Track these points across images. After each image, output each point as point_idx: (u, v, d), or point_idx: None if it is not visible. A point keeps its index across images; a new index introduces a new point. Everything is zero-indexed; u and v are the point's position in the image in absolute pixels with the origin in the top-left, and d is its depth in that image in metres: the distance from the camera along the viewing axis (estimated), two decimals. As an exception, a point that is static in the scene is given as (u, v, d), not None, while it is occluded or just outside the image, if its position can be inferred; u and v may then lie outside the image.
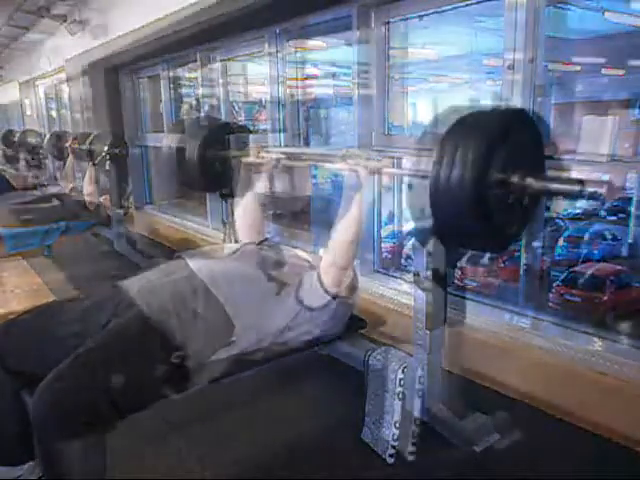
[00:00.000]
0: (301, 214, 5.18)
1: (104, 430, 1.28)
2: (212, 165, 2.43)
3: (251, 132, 2.59)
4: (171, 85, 4.90)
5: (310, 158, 2.25)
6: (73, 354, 1.31)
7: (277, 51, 3.43)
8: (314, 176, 5.18)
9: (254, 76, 4.51)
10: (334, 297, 1.68)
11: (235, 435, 1.89)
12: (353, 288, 1.75)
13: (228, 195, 2.52)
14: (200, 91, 4.29)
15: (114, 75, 5.55)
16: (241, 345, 1.60)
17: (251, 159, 2.12)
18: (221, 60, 4.15)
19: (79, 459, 1.25)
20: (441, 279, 1.56)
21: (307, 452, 1.79)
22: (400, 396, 1.66)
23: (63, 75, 6.41)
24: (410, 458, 1.69)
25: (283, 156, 2.29)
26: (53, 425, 1.21)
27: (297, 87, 3.56)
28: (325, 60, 4.70)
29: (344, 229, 1.65)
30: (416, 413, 1.68)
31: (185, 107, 5.28)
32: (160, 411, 1.48)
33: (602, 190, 1.21)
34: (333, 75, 4.91)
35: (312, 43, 3.67)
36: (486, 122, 1.27)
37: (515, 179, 1.26)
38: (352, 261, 1.68)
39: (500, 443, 1.78)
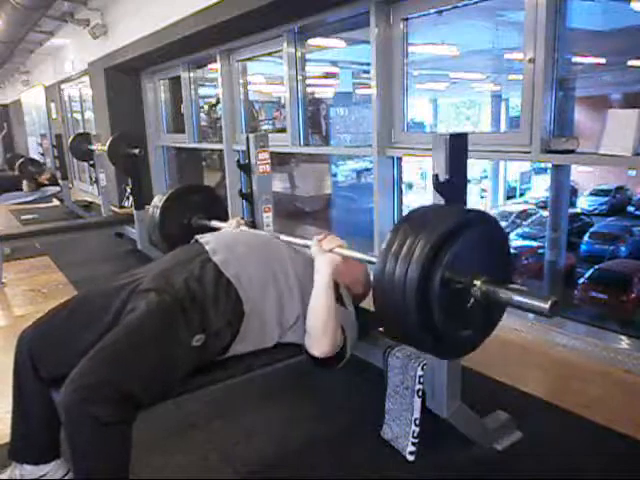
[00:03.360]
0: (322, 212, 5.21)
1: (129, 421, 1.30)
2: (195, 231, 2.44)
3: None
4: (192, 86, 4.94)
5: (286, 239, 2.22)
6: (96, 348, 1.33)
7: (296, 49, 3.44)
8: (334, 175, 5.20)
9: (274, 75, 4.54)
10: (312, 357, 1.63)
11: (254, 431, 1.89)
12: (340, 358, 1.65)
13: (249, 195, 2.53)
14: (220, 91, 4.32)
15: (135, 77, 5.64)
16: (249, 338, 1.60)
17: (232, 229, 2.15)
18: (240, 60, 4.18)
19: (106, 451, 1.27)
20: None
21: (327, 449, 1.79)
22: (419, 393, 1.65)
23: (86, 78, 6.54)
24: (410, 458, 1.67)
25: (263, 233, 2.29)
26: (80, 420, 1.23)
27: (316, 85, 3.56)
28: (344, 58, 4.70)
29: (314, 318, 1.59)
30: (416, 413, 1.66)
31: (206, 107, 5.34)
32: (179, 407, 1.48)
33: (545, 305, 1.13)
34: (352, 73, 4.91)
35: (330, 41, 3.68)
36: (442, 216, 1.20)
37: (464, 284, 1.18)
38: (326, 347, 1.57)
39: (522, 442, 1.76)
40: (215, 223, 2.37)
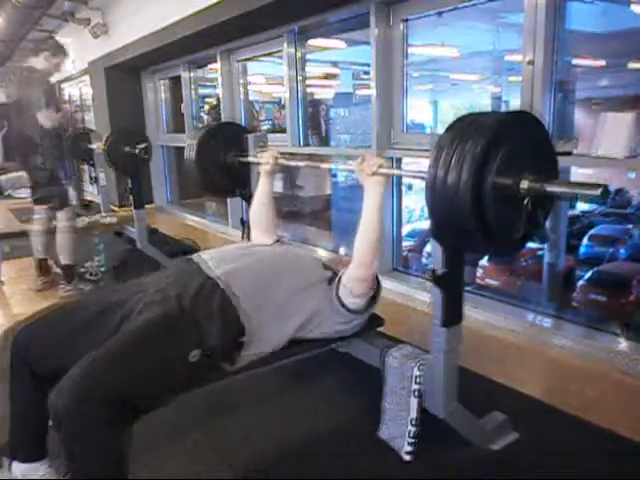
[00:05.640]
0: (321, 212, 5.20)
1: (127, 423, 1.30)
2: (229, 168, 2.47)
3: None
4: (192, 86, 4.94)
5: (328, 161, 2.25)
6: (92, 352, 1.33)
7: (296, 50, 3.44)
8: (334, 175, 5.20)
9: (274, 76, 4.54)
10: (349, 310, 1.68)
11: (252, 431, 1.90)
12: (373, 300, 1.74)
13: (249, 196, 2.54)
14: (220, 91, 4.32)
15: (136, 76, 5.64)
16: (254, 346, 1.60)
17: (268, 167, 2.16)
18: (240, 60, 4.18)
19: (103, 452, 1.27)
20: (458, 276, 1.55)
21: (324, 449, 1.79)
22: (416, 393, 1.66)
23: (86, 77, 6.54)
24: (407, 458, 1.68)
25: (303, 164, 2.31)
26: (77, 420, 1.23)
27: (316, 86, 3.56)
28: (344, 59, 4.70)
29: (361, 238, 1.65)
30: (413, 414, 1.67)
31: (206, 107, 5.34)
32: (177, 407, 1.49)
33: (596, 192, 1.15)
34: (353, 74, 4.91)
35: (330, 42, 3.68)
36: (486, 122, 1.23)
37: (514, 182, 1.22)
38: (373, 271, 1.67)
39: (518, 442, 1.76)
40: (250, 158, 2.39)
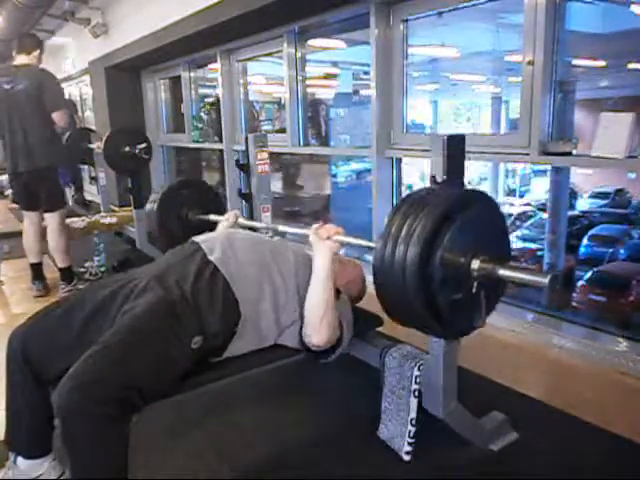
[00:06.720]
0: (321, 212, 5.21)
1: (127, 420, 1.29)
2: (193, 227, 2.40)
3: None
4: (192, 86, 4.94)
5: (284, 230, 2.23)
6: (93, 347, 1.33)
7: (296, 50, 3.44)
8: (334, 175, 5.20)
9: (274, 76, 4.54)
10: (311, 351, 1.66)
11: (250, 431, 1.90)
12: (337, 345, 1.68)
13: (248, 195, 2.54)
14: (220, 91, 4.32)
15: (136, 76, 5.64)
16: (246, 338, 1.60)
17: (226, 224, 2.15)
18: (240, 60, 4.18)
19: (103, 450, 1.26)
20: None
21: (323, 449, 1.79)
22: (416, 393, 1.66)
23: (86, 77, 6.54)
24: (406, 458, 1.68)
25: (263, 225, 2.30)
26: (78, 418, 1.23)
27: (316, 86, 3.56)
28: (345, 59, 4.71)
29: (313, 308, 1.60)
30: (413, 413, 1.67)
31: (207, 106, 5.33)
32: (176, 407, 1.48)
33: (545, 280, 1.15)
34: (353, 74, 4.92)
35: (330, 42, 3.68)
36: (437, 199, 1.21)
37: (464, 262, 1.20)
38: (324, 337, 1.60)
39: (517, 442, 1.76)
40: (212, 217, 2.37)
